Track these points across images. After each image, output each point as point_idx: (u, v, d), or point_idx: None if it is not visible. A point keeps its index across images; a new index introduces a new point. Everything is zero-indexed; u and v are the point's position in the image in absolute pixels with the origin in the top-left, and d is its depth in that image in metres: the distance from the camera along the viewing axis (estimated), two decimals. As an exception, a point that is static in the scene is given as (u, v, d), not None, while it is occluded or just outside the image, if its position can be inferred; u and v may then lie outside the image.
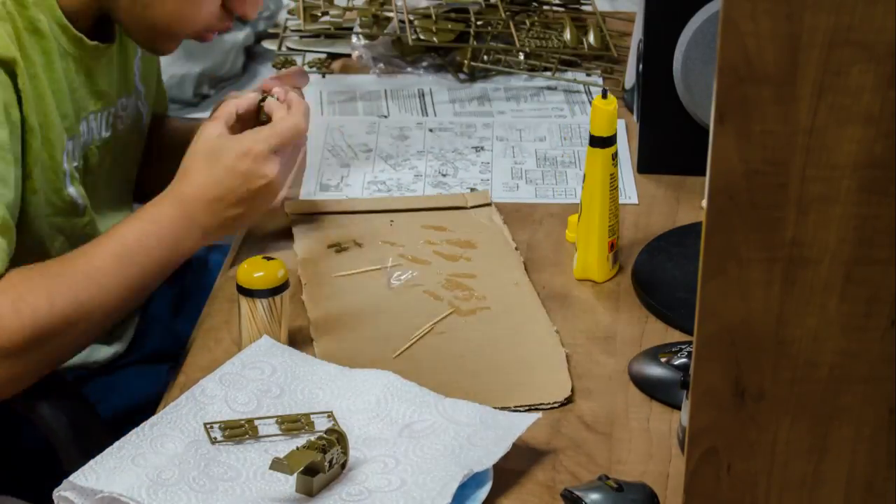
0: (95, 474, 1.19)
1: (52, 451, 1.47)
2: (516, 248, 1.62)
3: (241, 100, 1.59)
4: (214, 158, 1.52)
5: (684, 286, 1.52)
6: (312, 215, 1.68)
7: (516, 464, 1.26)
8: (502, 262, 1.59)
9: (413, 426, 1.28)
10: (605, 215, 1.53)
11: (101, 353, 1.68)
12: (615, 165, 1.53)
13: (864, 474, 0.99)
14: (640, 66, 1.78)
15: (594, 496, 1.20)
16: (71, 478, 1.19)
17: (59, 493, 1.20)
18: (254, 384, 1.32)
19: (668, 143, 1.78)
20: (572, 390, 1.37)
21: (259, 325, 1.40)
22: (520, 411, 1.32)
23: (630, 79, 1.97)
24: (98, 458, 1.22)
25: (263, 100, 1.60)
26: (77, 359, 1.57)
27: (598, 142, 1.51)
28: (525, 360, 1.43)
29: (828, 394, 0.97)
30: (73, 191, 1.55)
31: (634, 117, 1.89)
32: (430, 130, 1.89)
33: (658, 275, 1.56)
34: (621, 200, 1.66)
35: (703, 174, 0.93)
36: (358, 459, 1.25)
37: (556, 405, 1.36)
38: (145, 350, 1.75)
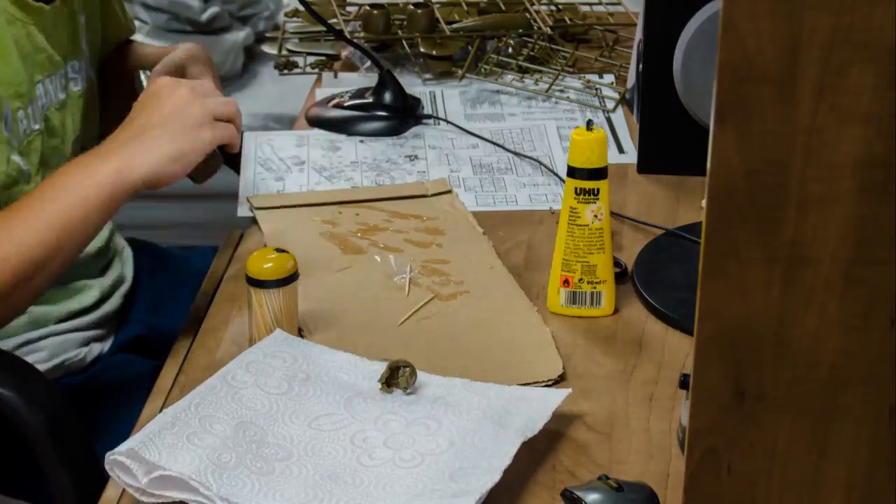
0: (157, 449, 1.20)
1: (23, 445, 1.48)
2: (483, 233, 1.63)
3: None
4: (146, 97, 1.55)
5: (684, 286, 1.52)
6: (277, 209, 1.69)
7: (516, 464, 1.25)
8: (473, 247, 1.61)
9: (445, 398, 1.31)
10: (561, 246, 1.50)
11: (81, 353, 1.69)
12: (586, 201, 1.47)
13: (864, 474, 0.99)
14: (640, 66, 1.78)
15: (594, 496, 1.20)
16: (134, 446, 1.19)
17: (113, 457, 1.20)
18: (280, 371, 1.33)
19: (668, 143, 1.78)
20: (564, 375, 1.39)
21: (269, 315, 1.40)
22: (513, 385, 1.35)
23: (630, 79, 1.97)
24: (153, 429, 1.22)
25: None
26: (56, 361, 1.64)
27: (568, 172, 1.48)
28: (512, 340, 1.45)
29: (828, 394, 0.97)
30: (18, 159, 1.55)
31: (634, 117, 1.89)
32: (361, 141, 1.88)
33: (658, 275, 1.56)
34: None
35: (703, 174, 0.93)
36: (400, 424, 1.27)
37: (550, 383, 1.37)
38: (123, 344, 1.76)
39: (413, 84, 2.05)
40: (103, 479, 1.45)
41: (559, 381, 1.38)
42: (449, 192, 1.73)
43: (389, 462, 1.23)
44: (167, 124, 1.51)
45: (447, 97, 2.02)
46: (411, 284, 1.54)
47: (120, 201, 1.50)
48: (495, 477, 1.20)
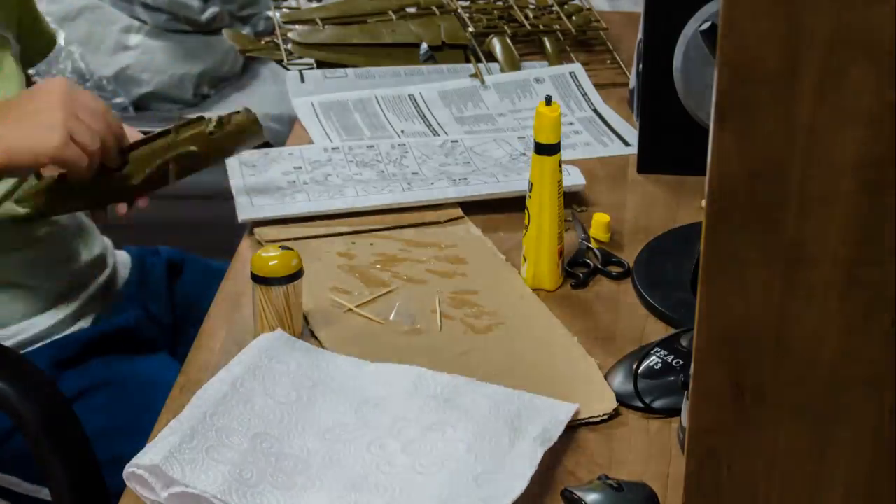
0: (179, 465, 1.19)
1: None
2: (506, 260, 1.60)
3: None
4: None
5: (684, 286, 1.52)
6: (287, 241, 1.61)
7: (516, 464, 1.26)
8: (499, 276, 1.57)
9: (454, 400, 1.30)
10: (556, 223, 1.53)
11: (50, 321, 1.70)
12: (561, 171, 1.52)
13: (864, 474, 0.99)
14: (640, 66, 1.78)
15: (594, 496, 1.20)
16: (157, 462, 1.19)
17: (131, 471, 1.20)
18: (286, 378, 1.33)
19: (668, 143, 1.78)
20: (619, 410, 1.36)
21: (274, 313, 1.40)
22: (573, 425, 1.33)
23: (630, 79, 1.97)
24: (173, 442, 1.21)
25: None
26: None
27: (544, 149, 1.50)
28: (559, 375, 1.40)
29: (828, 394, 0.97)
30: None
31: (634, 117, 1.89)
32: (371, 146, 1.84)
33: (658, 275, 1.56)
34: (567, 183, 1.69)
35: (703, 174, 0.93)
36: (415, 430, 1.27)
37: (605, 417, 1.35)
38: (113, 331, 1.76)
39: (400, 81, 2.05)
40: (98, 471, 1.45)
41: (615, 415, 1.35)
42: (461, 218, 1.68)
43: (410, 469, 1.22)
44: (23, 119, 1.50)
45: (429, 100, 2.00)
46: (443, 318, 1.50)
47: None
48: (523, 483, 1.20)
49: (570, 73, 2.04)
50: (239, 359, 1.34)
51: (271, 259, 1.40)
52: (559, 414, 1.30)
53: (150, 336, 1.80)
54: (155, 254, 1.93)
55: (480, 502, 1.17)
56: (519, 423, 1.27)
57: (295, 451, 1.24)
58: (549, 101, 1.49)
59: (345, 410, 1.30)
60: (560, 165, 1.52)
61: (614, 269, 1.58)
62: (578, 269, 1.58)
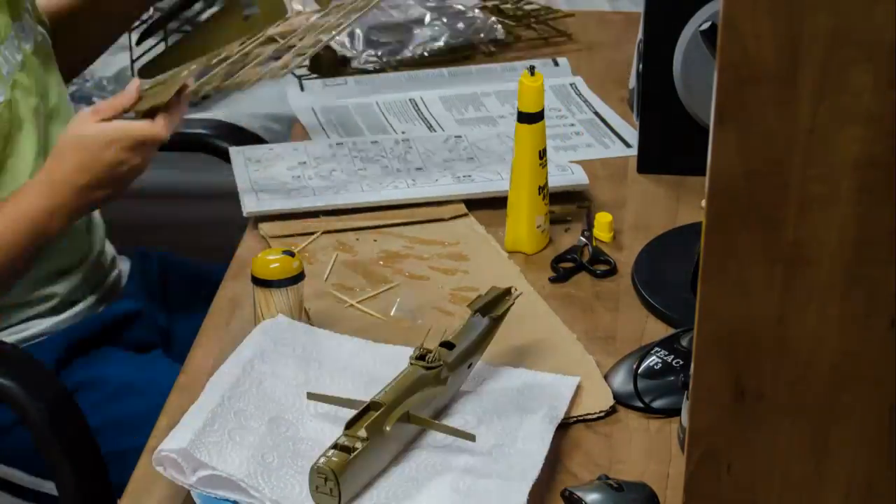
0: (206, 449, 1.20)
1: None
2: (509, 258, 1.60)
3: (123, 98, 1.63)
4: (82, 146, 1.59)
5: (684, 286, 1.52)
6: (290, 237, 1.63)
7: (516, 464, 1.26)
8: (501, 273, 1.57)
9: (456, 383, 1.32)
10: (535, 187, 1.58)
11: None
12: (544, 141, 1.58)
13: (864, 474, 0.99)
14: (640, 66, 1.78)
15: (594, 496, 1.20)
16: (186, 446, 1.19)
17: (163, 454, 1.20)
18: (293, 360, 1.33)
19: (668, 143, 1.78)
20: (615, 407, 1.36)
21: (275, 315, 1.40)
22: (569, 422, 1.33)
23: (630, 79, 1.98)
24: (197, 425, 1.22)
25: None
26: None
27: (525, 118, 1.57)
28: (557, 372, 1.39)
29: (828, 394, 0.97)
30: None
31: (634, 117, 1.89)
32: (374, 142, 1.85)
33: (658, 275, 1.56)
34: (567, 182, 1.71)
35: (703, 174, 0.93)
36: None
37: (602, 414, 1.35)
38: (124, 340, 1.77)
39: (400, 84, 2.04)
40: (103, 464, 1.45)
41: (611, 412, 1.35)
42: (466, 215, 1.68)
43: (424, 443, 1.24)
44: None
45: (430, 103, 2.00)
46: (444, 314, 1.49)
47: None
48: (539, 462, 1.21)
49: (571, 85, 2.04)
50: (246, 343, 1.35)
51: (272, 262, 1.39)
52: (562, 390, 1.32)
53: (147, 335, 1.80)
54: (148, 255, 1.93)
55: (499, 478, 1.18)
56: (523, 402, 1.29)
57: (311, 434, 1.25)
58: (532, 70, 1.57)
59: (354, 390, 1.30)
60: (543, 135, 1.58)
61: (599, 267, 1.58)
62: (565, 264, 1.59)
